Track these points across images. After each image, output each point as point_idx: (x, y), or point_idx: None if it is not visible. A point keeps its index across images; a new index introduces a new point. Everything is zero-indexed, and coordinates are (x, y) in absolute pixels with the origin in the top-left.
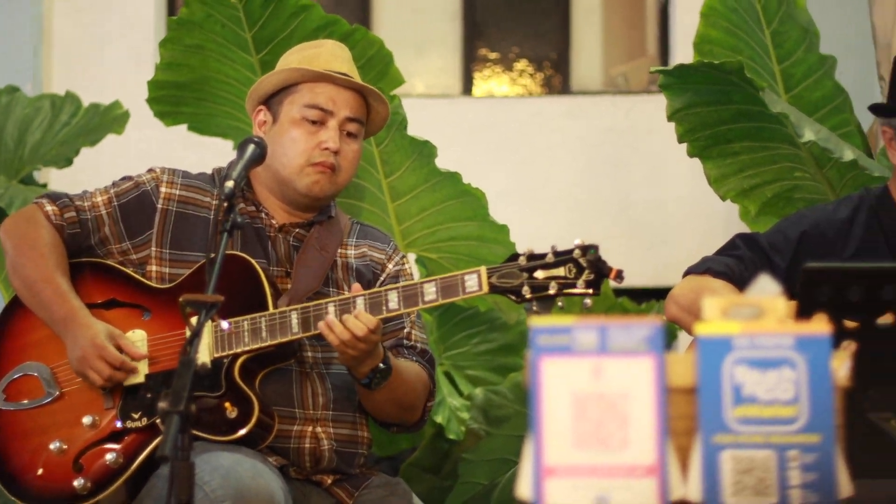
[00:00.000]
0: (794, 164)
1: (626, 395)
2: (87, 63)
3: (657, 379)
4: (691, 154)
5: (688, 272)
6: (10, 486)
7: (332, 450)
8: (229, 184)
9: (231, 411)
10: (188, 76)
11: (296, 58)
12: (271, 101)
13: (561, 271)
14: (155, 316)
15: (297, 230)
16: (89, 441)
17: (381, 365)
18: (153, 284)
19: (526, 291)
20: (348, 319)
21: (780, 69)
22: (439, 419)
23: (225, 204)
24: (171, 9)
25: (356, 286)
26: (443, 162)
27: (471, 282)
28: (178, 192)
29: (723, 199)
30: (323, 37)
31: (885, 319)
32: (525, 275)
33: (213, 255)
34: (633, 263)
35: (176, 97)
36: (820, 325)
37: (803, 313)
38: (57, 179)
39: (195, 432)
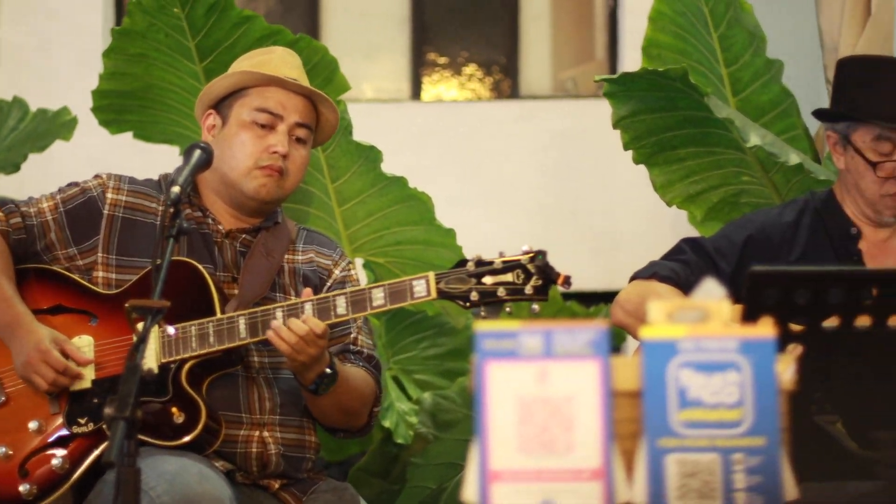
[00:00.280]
0: (739, 169)
1: (571, 398)
2: (34, 69)
3: (602, 383)
4: (637, 161)
5: (634, 277)
6: None
7: (280, 454)
8: (175, 189)
9: (178, 416)
10: (132, 85)
11: (247, 63)
12: (221, 104)
13: (509, 277)
14: (102, 322)
15: (243, 236)
16: (35, 447)
17: (328, 370)
18: (100, 290)
19: (474, 297)
20: (296, 324)
21: (728, 73)
22: (388, 424)
23: (171, 209)
24: (119, 15)
25: (307, 290)
26: (392, 166)
27: (419, 287)
28: (124, 198)
29: (669, 205)
30: (267, 45)
31: (830, 322)
32: (473, 280)
33: (158, 262)
34: (582, 267)
35: (120, 105)
36: (765, 329)
37: (749, 317)
38: (4, 185)
39: (141, 437)
